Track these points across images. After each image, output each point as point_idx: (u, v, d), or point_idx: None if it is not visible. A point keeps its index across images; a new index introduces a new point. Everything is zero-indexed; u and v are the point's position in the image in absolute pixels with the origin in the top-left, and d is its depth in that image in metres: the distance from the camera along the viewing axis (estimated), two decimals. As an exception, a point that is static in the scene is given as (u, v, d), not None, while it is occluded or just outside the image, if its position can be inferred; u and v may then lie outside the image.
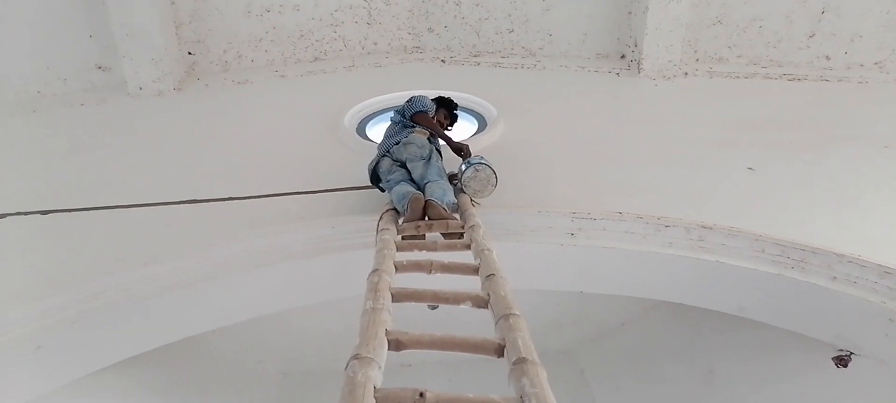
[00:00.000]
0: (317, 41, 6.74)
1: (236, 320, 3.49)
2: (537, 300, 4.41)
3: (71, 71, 5.86)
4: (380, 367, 1.35)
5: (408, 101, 3.65)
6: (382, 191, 3.45)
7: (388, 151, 3.46)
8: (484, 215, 2.94)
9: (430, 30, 6.96)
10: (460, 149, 3.59)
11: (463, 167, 3.33)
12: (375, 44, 6.98)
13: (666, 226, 3.27)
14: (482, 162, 3.31)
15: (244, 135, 4.95)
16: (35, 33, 5.63)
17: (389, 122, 3.74)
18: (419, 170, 3.33)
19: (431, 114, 3.67)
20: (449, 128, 3.89)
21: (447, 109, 3.88)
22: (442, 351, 4.03)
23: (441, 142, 3.64)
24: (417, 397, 1.22)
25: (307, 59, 6.76)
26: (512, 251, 3.15)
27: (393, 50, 7.05)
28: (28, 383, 2.79)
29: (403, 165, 3.40)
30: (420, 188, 3.22)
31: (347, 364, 1.33)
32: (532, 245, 3.34)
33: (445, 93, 4.05)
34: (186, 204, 3.72)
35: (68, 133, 5.12)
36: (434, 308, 4.41)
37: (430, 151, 3.43)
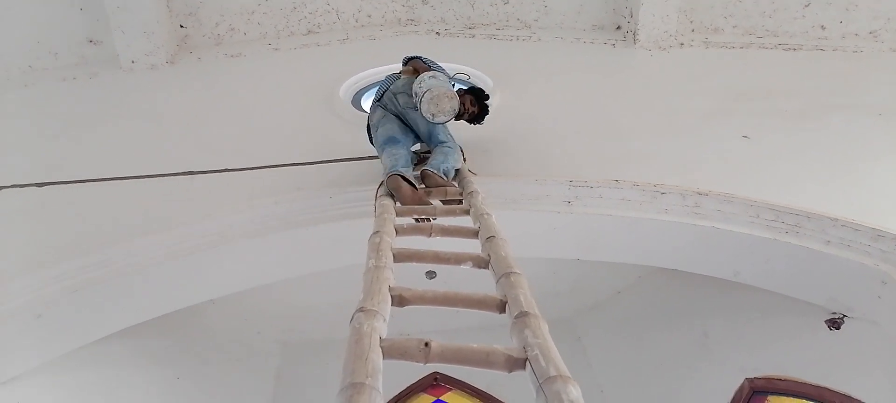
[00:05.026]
0: (310, 14, 6.66)
1: (235, 290, 3.51)
2: (534, 269, 4.42)
3: (62, 45, 5.77)
4: (385, 319, 1.37)
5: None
6: None
7: (379, 100, 3.33)
8: (481, 184, 2.95)
9: (424, 2, 6.88)
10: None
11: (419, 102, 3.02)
12: (369, 16, 6.90)
13: (662, 193, 3.29)
14: (423, 89, 2.99)
15: (239, 107, 4.92)
16: (25, 7, 5.54)
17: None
18: (422, 125, 3.15)
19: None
20: (478, 121, 3.42)
21: (474, 96, 3.37)
22: (443, 324, 4.04)
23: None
24: (422, 346, 1.24)
25: (300, 31, 6.68)
26: (510, 219, 3.15)
27: (387, 22, 6.98)
28: (29, 352, 2.82)
29: (398, 116, 3.23)
30: (424, 141, 3.16)
31: (353, 317, 1.34)
32: (529, 213, 3.37)
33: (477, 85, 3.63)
34: (183, 177, 3.71)
35: (62, 107, 5.07)
36: (432, 276, 4.46)
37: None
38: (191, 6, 6.15)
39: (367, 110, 4.59)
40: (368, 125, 3.36)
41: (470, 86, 3.46)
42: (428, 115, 2.99)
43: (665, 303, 4.55)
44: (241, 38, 6.46)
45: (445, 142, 3.17)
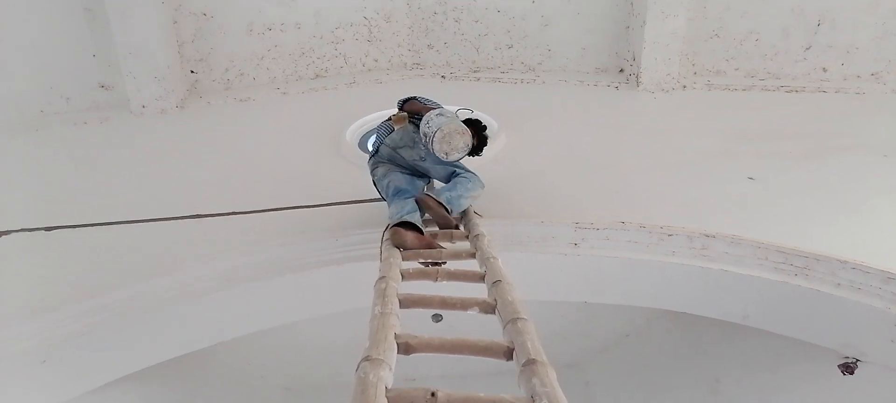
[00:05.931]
0: (318, 58, 6.79)
1: (240, 334, 3.48)
2: (541, 312, 4.39)
3: (74, 90, 5.89)
4: (390, 369, 1.36)
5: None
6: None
7: (376, 153, 3.30)
8: (487, 226, 2.94)
9: (429, 46, 7.02)
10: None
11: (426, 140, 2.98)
12: (376, 61, 7.03)
13: (669, 235, 3.28)
14: (433, 129, 2.90)
15: (247, 151, 4.98)
16: (38, 53, 5.67)
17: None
18: (439, 172, 3.15)
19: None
20: (477, 153, 3.27)
21: (473, 128, 3.25)
22: (449, 368, 3.98)
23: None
24: (429, 396, 1.23)
25: (308, 76, 6.80)
26: (516, 261, 3.13)
27: (393, 66, 7.10)
28: (33, 397, 2.78)
29: (402, 164, 3.21)
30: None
31: (358, 366, 1.33)
32: (536, 255, 3.35)
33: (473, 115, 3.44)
34: (190, 220, 3.73)
35: (72, 151, 5.14)
36: (438, 319, 4.42)
37: (422, 141, 3.10)
38: (201, 52, 6.29)
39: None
40: (373, 180, 3.32)
41: (466, 117, 3.36)
42: (441, 155, 2.93)
43: (675, 348, 4.48)
44: (251, 82, 6.58)
45: (461, 173, 3.14)
